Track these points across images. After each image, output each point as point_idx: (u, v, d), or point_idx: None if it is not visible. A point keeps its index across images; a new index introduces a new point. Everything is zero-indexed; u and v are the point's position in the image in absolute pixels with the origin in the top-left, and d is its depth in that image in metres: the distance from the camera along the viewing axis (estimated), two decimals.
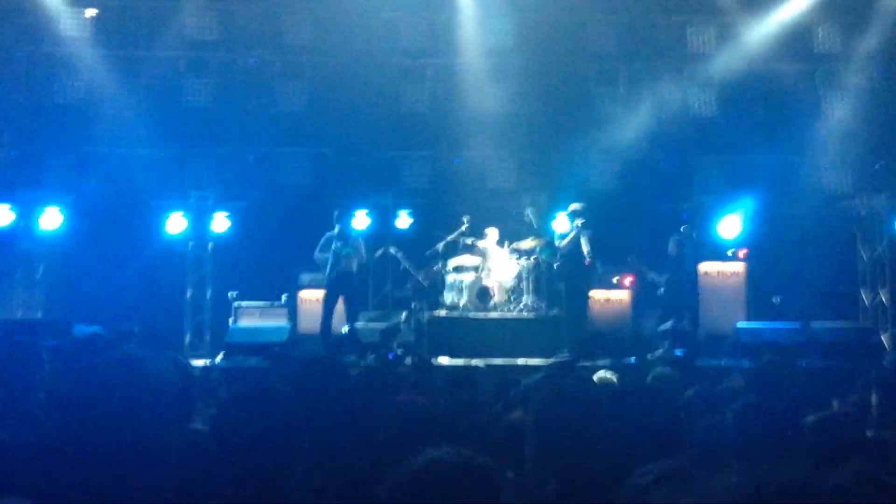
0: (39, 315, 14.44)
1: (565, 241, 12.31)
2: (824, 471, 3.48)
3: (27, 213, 14.44)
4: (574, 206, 12.64)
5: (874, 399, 5.38)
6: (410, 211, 14.65)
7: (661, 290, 12.71)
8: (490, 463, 1.99)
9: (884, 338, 12.53)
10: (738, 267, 13.58)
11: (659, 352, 11.41)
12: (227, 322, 13.56)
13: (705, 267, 13.60)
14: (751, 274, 13.58)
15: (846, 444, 3.78)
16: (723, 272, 13.56)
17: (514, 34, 14.86)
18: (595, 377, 6.63)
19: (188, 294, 14.67)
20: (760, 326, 12.25)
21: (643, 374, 7.02)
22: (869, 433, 4.62)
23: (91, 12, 14.77)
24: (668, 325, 12.49)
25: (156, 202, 14.62)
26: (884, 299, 13.94)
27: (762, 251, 13.73)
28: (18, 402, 3.78)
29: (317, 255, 12.65)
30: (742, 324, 12.42)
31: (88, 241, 14.48)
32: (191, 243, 14.69)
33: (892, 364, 10.35)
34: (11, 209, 14.29)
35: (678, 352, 11.26)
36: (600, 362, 11.20)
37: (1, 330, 11.88)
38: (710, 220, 13.98)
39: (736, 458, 3.62)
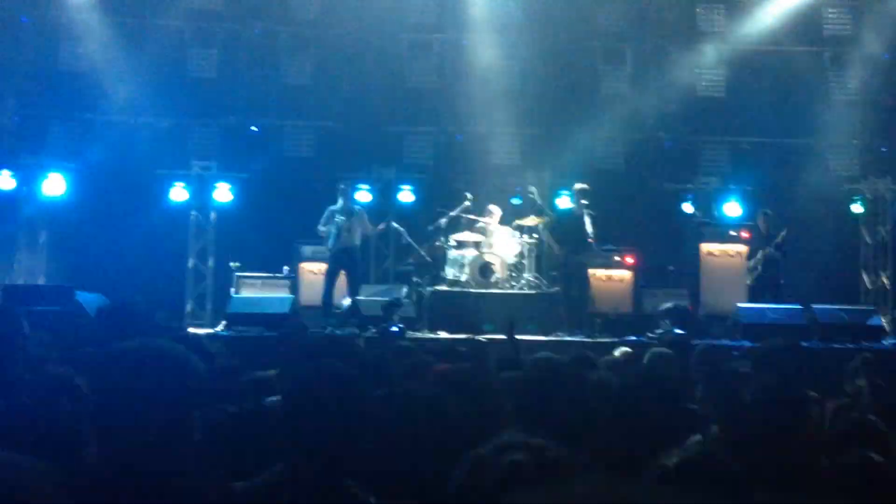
0: (42, 281, 14.47)
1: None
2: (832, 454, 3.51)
3: (30, 180, 14.46)
4: (578, 186, 12.64)
5: (863, 385, 5.41)
6: (413, 186, 14.64)
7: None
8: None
9: (884, 321, 12.55)
10: (741, 248, 13.57)
11: (659, 331, 11.42)
12: (229, 292, 13.59)
13: (708, 247, 13.60)
14: (753, 255, 13.58)
15: (853, 429, 3.81)
16: (725, 252, 13.55)
17: (521, 10, 14.76)
18: (617, 353, 6.72)
19: (190, 263, 14.71)
20: (761, 307, 12.25)
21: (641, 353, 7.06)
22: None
23: None
24: (668, 304, 12.49)
25: (159, 171, 14.62)
26: (885, 282, 13.96)
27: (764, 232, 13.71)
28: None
29: (320, 227, 12.66)
30: (743, 305, 12.43)
31: (91, 208, 14.51)
32: (193, 213, 14.71)
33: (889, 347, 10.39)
34: (14, 175, 14.30)
35: (677, 331, 11.27)
36: (602, 340, 11.24)
37: (3, 294, 11.93)
38: (714, 201, 13.97)
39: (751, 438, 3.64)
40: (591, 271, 12.78)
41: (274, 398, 4.66)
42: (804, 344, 10.60)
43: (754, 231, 13.25)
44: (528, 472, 1.88)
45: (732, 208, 14.03)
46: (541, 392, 3.69)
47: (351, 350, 5.38)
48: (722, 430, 3.90)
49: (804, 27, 14.63)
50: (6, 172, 14.22)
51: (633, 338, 11.00)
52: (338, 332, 11.12)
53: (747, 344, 10.19)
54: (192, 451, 2.26)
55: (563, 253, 12.61)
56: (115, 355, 2.34)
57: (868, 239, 14.33)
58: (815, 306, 11.93)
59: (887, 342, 11.53)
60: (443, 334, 11.77)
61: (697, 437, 3.80)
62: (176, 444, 2.21)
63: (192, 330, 12.11)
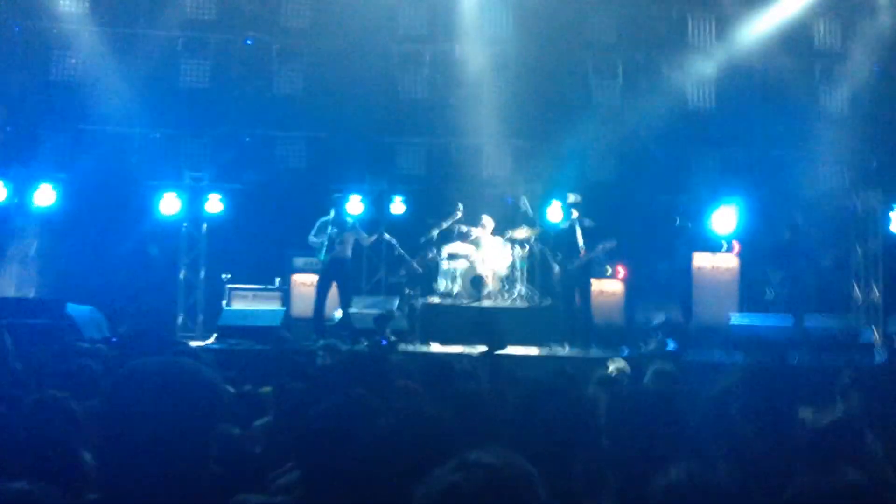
0: (32, 292, 14.41)
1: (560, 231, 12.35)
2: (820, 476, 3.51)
3: (21, 190, 14.41)
4: (571, 198, 12.65)
5: (842, 404, 5.40)
6: (405, 197, 14.64)
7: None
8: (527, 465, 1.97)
9: (876, 333, 12.58)
10: (732, 260, 13.62)
11: (652, 345, 11.44)
12: (220, 304, 13.56)
13: (699, 260, 13.64)
14: (744, 267, 13.62)
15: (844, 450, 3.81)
16: (716, 265, 13.60)
17: (513, 22, 14.80)
18: (611, 367, 6.71)
19: (181, 275, 14.66)
20: (752, 321, 12.28)
21: (638, 367, 7.06)
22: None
23: None
24: (660, 317, 12.52)
25: (150, 182, 14.59)
26: (877, 295, 14.00)
27: (757, 245, 13.75)
28: None
29: (311, 238, 12.65)
30: (735, 317, 12.45)
31: (82, 219, 14.46)
32: (185, 224, 14.67)
33: (876, 366, 10.41)
34: (5, 185, 14.26)
35: (670, 345, 11.30)
36: (593, 353, 11.26)
37: None
38: (705, 213, 14.01)
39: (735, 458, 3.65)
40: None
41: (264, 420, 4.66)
42: (795, 357, 10.71)
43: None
44: (466, 496, 1.86)
45: (723, 220, 14.06)
46: (523, 409, 3.68)
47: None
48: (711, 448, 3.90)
49: (795, 40, 14.70)
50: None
51: (626, 351, 11.01)
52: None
53: (739, 358, 10.21)
54: (208, 470, 2.26)
55: (561, 264, 12.61)
56: (137, 372, 2.31)
57: (859, 251, 14.37)
58: (806, 318, 11.96)
59: (878, 357, 11.55)
60: (435, 347, 11.77)
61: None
62: (193, 464, 2.20)
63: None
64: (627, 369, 6.63)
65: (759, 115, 14.69)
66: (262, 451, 3.32)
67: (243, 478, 3.06)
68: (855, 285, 14.33)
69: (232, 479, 2.96)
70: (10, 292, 14.10)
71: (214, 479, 2.33)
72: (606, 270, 13.23)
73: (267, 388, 5.39)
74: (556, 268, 12.74)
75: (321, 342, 10.64)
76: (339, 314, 12.61)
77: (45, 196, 14.34)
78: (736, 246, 13.78)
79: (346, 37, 14.72)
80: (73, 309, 11.83)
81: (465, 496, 1.85)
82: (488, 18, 14.75)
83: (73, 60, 14.71)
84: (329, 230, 12.53)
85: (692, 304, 13.46)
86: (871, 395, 5.72)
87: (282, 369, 6.04)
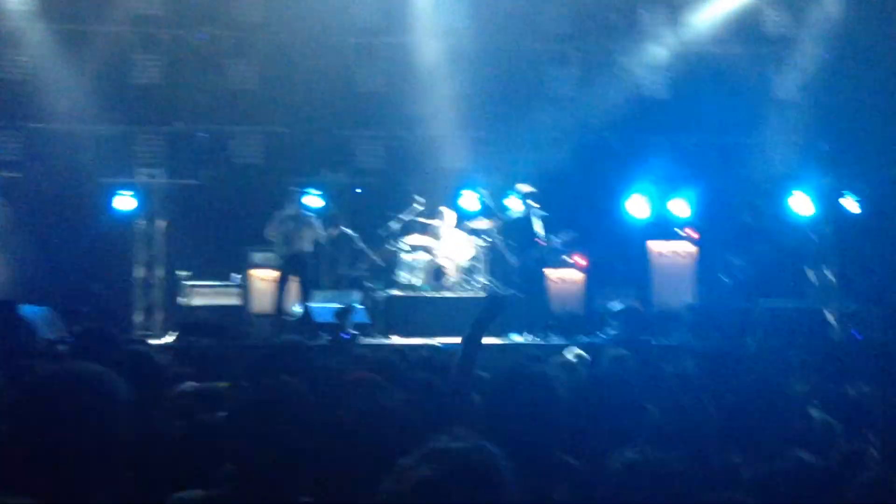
0: None
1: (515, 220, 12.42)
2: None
3: None
4: (524, 188, 12.72)
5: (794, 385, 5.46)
6: (363, 191, 14.58)
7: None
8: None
9: (829, 316, 12.78)
10: (689, 246, 13.76)
11: (611, 332, 11.53)
12: (178, 301, 13.42)
13: (656, 246, 13.77)
14: (701, 253, 13.77)
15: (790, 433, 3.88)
16: (674, 251, 13.74)
17: (468, 13, 14.81)
18: (569, 355, 6.74)
19: (139, 273, 14.50)
20: (709, 306, 12.42)
21: (597, 354, 7.11)
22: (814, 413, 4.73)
23: None
24: (618, 304, 12.61)
25: (104, 180, 14.39)
26: (831, 278, 14.24)
27: (712, 230, 13.90)
28: None
29: (268, 231, 12.58)
30: (691, 302, 12.59)
31: (34, 219, 14.21)
32: (142, 222, 14.50)
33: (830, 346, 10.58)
34: None
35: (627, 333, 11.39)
36: (554, 341, 11.31)
37: None
38: (661, 200, 14.13)
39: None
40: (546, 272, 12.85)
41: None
42: (750, 341, 10.85)
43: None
44: (435, 484, 1.85)
45: (679, 207, 14.19)
46: (488, 394, 3.69)
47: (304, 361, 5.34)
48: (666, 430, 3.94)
49: (745, 27, 14.87)
50: None
51: (585, 339, 11.07)
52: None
53: (696, 343, 10.32)
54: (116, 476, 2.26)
55: (516, 255, 12.69)
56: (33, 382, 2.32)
57: (813, 235, 14.59)
58: (761, 302, 12.12)
59: (834, 338, 11.74)
60: (396, 339, 11.75)
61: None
62: (98, 472, 2.20)
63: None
64: (586, 357, 6.68)
65: (711, 101, 14.80)
66: (207, 446, 3.30)
67: (185, 475, 3.06)
68: (809, 268, 14.54)
69: (173, 477, 2.96)
70: None
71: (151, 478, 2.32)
72: (566, 260, 13.32)
73: (223, 384, 5.36)
74: (514, 258, 12.81)
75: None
76: (299, 309, 12.54)
77: None
78: (692, 234, 13.93)
79: (300, 30, 14.63)
80: (28, 310, 11.64)
81: (434, 485, 1.84)
82: (443, 9, 14.74)
83: (22, 58, 14.45)
84: (286, 224, 12.45)
85: (651, 292, 13.59)
86: (821, 375, 5.83)
87: (239, 365, 6.01)
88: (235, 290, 13.58)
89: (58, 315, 12.15)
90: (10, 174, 14.40)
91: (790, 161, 14.81)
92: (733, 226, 13.16)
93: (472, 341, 4.53)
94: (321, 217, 13.14)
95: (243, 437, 2.77)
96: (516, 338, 11.84)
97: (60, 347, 5.86)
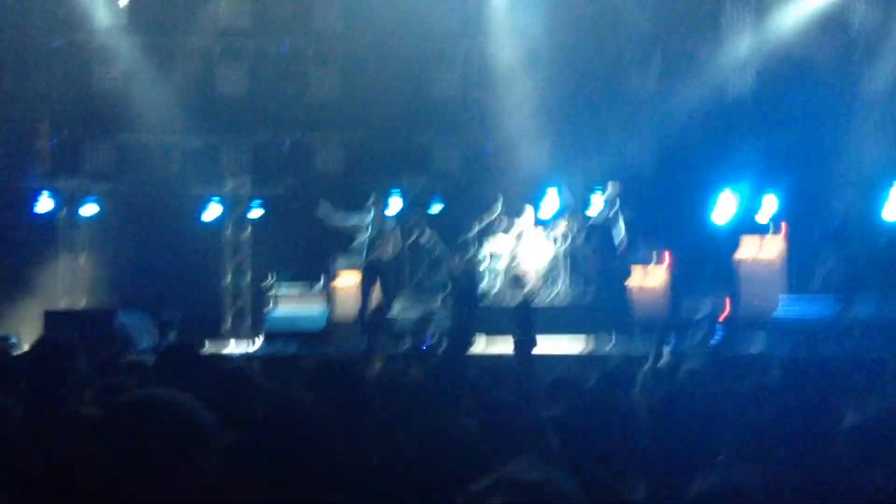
0: (83, 303, 14.66)
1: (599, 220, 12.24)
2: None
3: (68, 201, 14.69)
4: (612, 188, 12.49)
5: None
6: (443, 196, 14.61)
7: None
8: None
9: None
10: (779, 244, 13.29)
11: (697, 337, 11.29)
12: (266, 308, 13.67)
13: (745, 244, 13.36)
14: (792, 251, 13.32)
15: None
16: (763, 249, 13.29)
17: (545, 15, 14.69)
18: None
19: (227, 280, 14.83)
20: (800, 311, 11.99)
21: (677, 363, 6.98)
22: None
23: (125, 1, 14.84)
24: (706, 307, 12.30)
25: (193, 190, 14.75)
26: None
27: (805, 229, 13.46)
28: None
29: (339, 221, 12.59)
30: (781, 308, 12.17)
31: (128, 228, 14.66)
32: (229, 230, 14.83)
33: None
34: (51, 197, 14.53)
35: (716, 339, 11.14)
36: (636, 346, 11.13)
37: (49, 320, 12.05)
38: (749, 201, 13.76)
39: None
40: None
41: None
42: (846, 346, 10.46)
43: None
44: None
45: (767, 206, 13.76)
46: (556, 419, 3.63)
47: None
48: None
49: (832, 24, 14.39)
50: (44, 194, 14.49)
51: (671, 344, 10.85)
52: None
53: (783, 353, 10.00)
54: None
55: (599, 259, 12.50)
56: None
57: None
58: (857, 304, 11.67)
59: None
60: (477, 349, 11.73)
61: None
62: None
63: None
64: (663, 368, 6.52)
65: (798, 100, 14.36)
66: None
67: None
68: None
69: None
70: (62, 304, 14.37)
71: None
72: (651, 257, 13.04)
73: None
74: (595, 260, 12.60)
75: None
76: (380, 316, 12.61)
77: (90, 207, 14.63)
78: (783, 227, 13.47)
79: (379, 37, 14.75)
80: (125, 316, 12.00)
81: None
82: (520, 13, 14.66)
83: (113, 72, 14.93)
84: (369, 231, 12.55)
85: (739, 292, 13.20)
86: None
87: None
88: (321, 296, 13.73)
89: (153, 321, 12.51)
90: (105, 184, 14.89)
91: (881, 159, 14.26)
92: (823, 228, 12.74)
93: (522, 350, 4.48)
94: (402, 223, 13.21)
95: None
96: (601, 344, 11.63)
97: (148, 360, 5.99)
